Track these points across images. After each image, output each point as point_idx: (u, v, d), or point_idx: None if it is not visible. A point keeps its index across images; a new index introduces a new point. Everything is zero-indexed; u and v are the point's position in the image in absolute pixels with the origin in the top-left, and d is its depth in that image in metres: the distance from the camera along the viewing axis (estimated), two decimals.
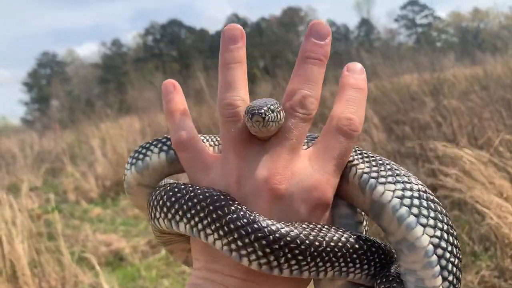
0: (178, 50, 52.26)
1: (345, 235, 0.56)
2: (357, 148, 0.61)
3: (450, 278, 0.55)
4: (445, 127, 6.01)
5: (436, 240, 0.54)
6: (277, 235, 0.52)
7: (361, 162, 0.59)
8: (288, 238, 0.52)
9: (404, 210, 0.55)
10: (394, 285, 0.56)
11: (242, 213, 0.53)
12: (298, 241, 0.52)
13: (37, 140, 13.91)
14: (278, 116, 0.55)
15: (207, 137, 0.69)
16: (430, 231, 0.54)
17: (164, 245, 0.72)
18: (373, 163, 0.59)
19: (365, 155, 0.61)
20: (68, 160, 8.48)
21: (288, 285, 0.57)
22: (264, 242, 0.52)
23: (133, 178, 0.67)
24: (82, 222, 6.23)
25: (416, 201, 0.56)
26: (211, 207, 0.54)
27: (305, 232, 0.53)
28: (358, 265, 0.56)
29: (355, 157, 0.60)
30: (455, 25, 53.75)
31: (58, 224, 4.75)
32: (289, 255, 0.52)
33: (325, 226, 0.55)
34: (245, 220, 0.53)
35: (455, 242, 0.56)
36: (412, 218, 0.54)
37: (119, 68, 44.82)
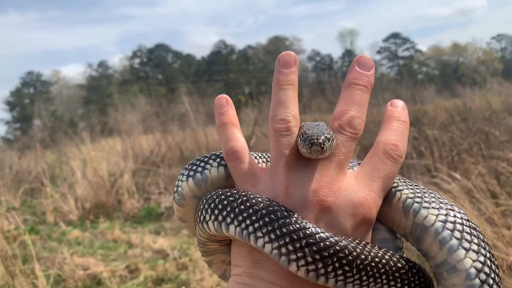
0: (164, 73, 52.45)
1: (389, 253, 0.56)
2: (400, 177, 0.64)
3: None
4: (426, 157, 6.11)
5: (479, 265, 0.54)
6: (327, 242, 0.53)
7: (405, 188, 0.61)
8: (338, 247, 0.53)
9: (446, 233, 0.56)
10: None
11: (294, 218, 0.54)
12: (347, 251, 0.53)
13: (17, 159, 13.66)
14: (332, 143, 0.58)
15: (257, 154, 0.71)
16: (473, 255, 0.55)
17: (205, 255, 0.71)
18: (417, 190, 0.61)
19: (409, 182, 0.63)
20: (48, 181, 8.32)
21: None
22: (315, 248, 0.53)
23: (189, 190, 0.67)
24: (60, 244, 6.09)
25: (459, 227, 0.56)
26: (264, 211, 0.55)
27: (353, 244, 0.54)
28: (399, 285, 0.56)
29: (399, 183, 0.62)
30: (435, 58, 55.23)
31: (32, 246, 4.63)
32: (337, 264, 0.53)
33: (369, 243, 0.56)
34: (297, 226, 0.54)
35: (497, 271, 0.56)
36: (454, 241, 0.55)
37: (104, 90, 44.66)
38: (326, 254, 0.53)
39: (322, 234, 0.53)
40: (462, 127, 7.68)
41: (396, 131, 0.63)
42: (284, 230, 0.53)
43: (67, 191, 8.33)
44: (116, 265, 5.34)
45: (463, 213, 0.59)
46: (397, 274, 0.56)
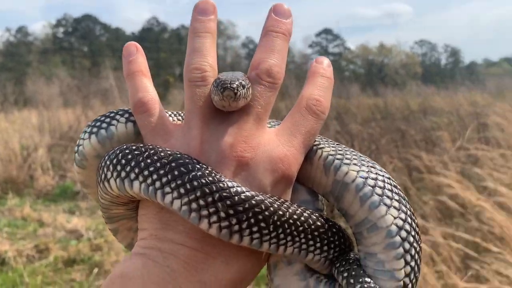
0: (90, 46, 49.97)
1: (308, 211, 0.54)
2: (322, 137, 0.61)
3: (412, 264, 0.53)
4: None
5: (400, 222, 0.53)
6: (242, 196, 0.49)
7: (327, 146, 0.59)
8: (253, 202, 0.49)
9: (367, 189, 0.54)
10: (355, 267, 0.53)
11: (207, 171, 0.49)
12: (263, 206, 0.49)
13: None
14: (248, 92, 0.54)
15: (172, 112, 0.65)
16: (394, 212, 0.53)
17: (110, 222, 0.64)
18: (339, 148, 0.59)
19: (331, 142, 0.60)
20: None
21: (240, 264, 0.53)
22: (228, 202, 0.48)
23: (92, 149, 0.60)
24: None
25: (380, 183, 0.54)
26: (173, 164, 0.50)
27: (270, 200, 0.50)
28: (318, 244, 0.54)
29: (321, 141, 0.60)
30: (362, 57, 57.68)
31: None
32: (252, 220, 0.49)
33: (288, 201, 0.53)
34: (210, 179, 0.49)
35: (418, 230, 0.55)
36: (376, 197, 0.53)
37: (22, 57, 41.57)
38: (240, 209, 0.48)
39: (237, 188, 0.49)
40: (381, 124, 8.09)
41: (320, 86, 0.60)
42: (195, 183, 0.48)
43: None
44: (24, 244, 5.03)
45: (384, 171, 0.57)
46: (316, 233, 0.53)
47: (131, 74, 0.61)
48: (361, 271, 0.53)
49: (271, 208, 0.50)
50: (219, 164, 0.53)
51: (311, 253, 0.53)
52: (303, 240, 0.52)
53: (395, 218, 0.53)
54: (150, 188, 0.50)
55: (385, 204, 0.53)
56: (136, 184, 0.51)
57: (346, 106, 10.85)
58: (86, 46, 50.88)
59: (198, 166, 0.50)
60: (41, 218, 5.94)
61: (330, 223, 0.55)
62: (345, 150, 0.58)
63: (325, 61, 0.63)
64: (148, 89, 0.60)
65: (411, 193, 4.33)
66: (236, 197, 0.49)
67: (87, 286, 4.14)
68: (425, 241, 3.37)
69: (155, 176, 0.50)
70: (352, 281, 0.52)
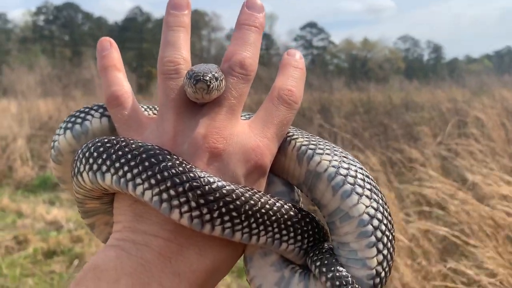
0: (72, 35, 49.13)
1: (280, 201, 0.54)
2: (297, 128, 0.62)
3: (385, 252, 0.53)
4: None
5: (372, 211, 0.53)
6: (213, 186, 0.49)
7: (300, 137, 0.59)
8: (224, 191, 0.49)
9: (339, 178, 0.54)
10: (327, 256, 0.54)
11: (177, 162, 0.49)
12: (234, 196, 0.50)
13: None
14: (221, 84, 0.54)
15: (147, 106, 0.65)
16: (366, 200, 0.53)
17: (86, 217, 0.64)
18: (312, 138, 0.59)
19: (304, 133, 0.61)
20: None
21: (215, 255, 0.53)
22: (199, 192, 0.48)
23: (67, 144, 0.60)
24: None
25: (352, 173, 0.55)
26: (143, 155, 0.50)
27: (242, 190, 0.51)
28: (291, 234, 0.54)
29: (295, 132, 0.60)
30: (346, 51, 58.00)
31: None
32: (223, 209, 0.49)
33: (261, 192, 0.53)
34: (180, 169, 0.49)
35: (390, 218, 0.55)
36: (347, 187, 0.53)
37: (1, 45, 40.65)
38: (211, 198, 0.49)
39: (208, 178, 0.49)
40: (364, 118, 8.16)
41: (291, 77, 0.61)
42: (166, 174, 0.49)
43: None
44: (2, 235, 4.95)
45: (357, 161, 0.58)
46: (289, 223, 0.53)
47: (104, 69, 0.61)
48: (334, 260, 0.53)
49: (243, 198, 0.50)
50: (192, 156, 0.53)
51: (285, 243, 0.54)
52: (276, 230, 0.53)
53: (366, 207, 0.53)
54: (122, 180, 0.50)
55: (357, 193, 0.53)
56: (108, 176, 0.51)
57: (329, 100, 10.90)
58: (67, 35, 50.03)
59: (169, 157, 0.50)
60: (20, 209, 5.86)
61: (304, 213, 0.56)
62: (318, 141, 0.59)
63: (297, 54, 0.64)
64: (122, 83, 0.60)
65: (394, 186, 4.38)
66: (207, 187, 0.49)
67: (67, 278, 4.09)
68: (405, 234, 3.42)
69: (126, 168, 0.50)
70: (324, 269, 0.52)
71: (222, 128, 0.55)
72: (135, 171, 0.50)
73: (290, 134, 0.60)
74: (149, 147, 0.51)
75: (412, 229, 3.47)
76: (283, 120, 0.58)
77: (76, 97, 11.11)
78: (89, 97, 10.70)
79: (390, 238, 0.54)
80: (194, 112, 0.56)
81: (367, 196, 0.54)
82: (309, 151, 0.57)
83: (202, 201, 0.48)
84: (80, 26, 51.13)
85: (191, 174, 0.49)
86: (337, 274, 0.52)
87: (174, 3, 0.61)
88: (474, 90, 12.80)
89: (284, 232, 0.53)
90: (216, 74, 0.53)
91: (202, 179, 0.49)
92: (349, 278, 0.52)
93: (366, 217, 0.53)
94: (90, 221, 0.65)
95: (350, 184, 0.54)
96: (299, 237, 0.54)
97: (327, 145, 0.58)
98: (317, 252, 0.55)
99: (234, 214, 0.50)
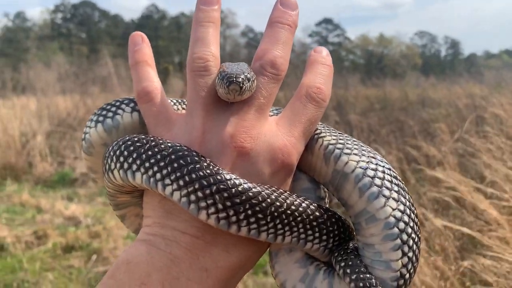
0: (89, 32, 49.57)
1: (306, 202, 0.54)
2: (325, 125, 0.61)
3: (410, 254, 0.53)
4: None
5: (398, 214, 0.53)
6: (239, 188, 0.50)
7: (328, 135, 0.58)
8: (250, 194, 0.50)
9: (367, 180, 0.54)
10: (352, 257, 0.54)
11: (205, 164, 0.51)
12: (260, 198, 0.50)
13: None
14: (253, 84, 0.54)
15: (177, 100, 0.65)
16: (392, 203, 0.53)
17: (117, 209, 0.66)
18: (340, 137, 0.58)
19: (332, 130, 0.60)
20: None
21: (241, 252, 0.54)
22: (225, 194, 0.49)
23: (98, 137, 0.61)
24: None
25: (380, 174, 0.54)
26: (172, 157, 0.51)
27: (268, 191, 0.51)
28: (317, 234, 0.54)
29: (323, 130, 0.60)
30: (362, 47, 57.44)
31: None
32: (249, 211, 0.50)
33: (287, 192, 0.54)
34: (208, 171, 0.50)
35: (417, 220, 0.55)
36: (374, 189, 0.53)
37: (20, 43, 41.24)
38: (237, 201, 0.50)
39: (234, 180, 0.50)
40: (380, 115, 8.09)
41: (320, 74, 0.60)
42: (193, 176, 0.50)
43: None
44: (22, 230, 5.04)
45: (385, 162, 0.57)
46: (314, 223, 0.54)
47: (136, 64, 0.62)
48: (358, 261, 0.54)
49: (268, 200, 0.51)
50: (219, 154, 0.53)
51: (310, 242, 0.54)
52: (301, 230, 0.53)
53: (393, 209, 0.53)
54: (151, 179, 0.52)
55: (384, 196, 0.53)
56: (138, 175, 0.52)
57: (345, 97, 10.83)
58: (84, 32, 50.50)
59: (197, 159, 0.51)
60: (40, 205, 5.94)
61: (330, 213, 0.56)
62: (347, 139, 0.58)
63: (324, 51, 0.63)
64: (152, 79, 0.60)
65: (410, 184, 4.35)
66: (234, 189, 0.50)
67: (85, 272, 4.16)
68: (422, 231, 3.40)
69: (155, 168, 0.51)
70: (348, 271, 0.53)
71: (250, 127, 0.55)
72: (165, 171, 0.51)
73: (318, 131, 0.59)
74: (178, 147, 0.52)
75: (430, 227, 3.44)
76: (311, 118, 0.57)
77: (93, 94, 11.23)
78: (106, 94, 10.80)
79: (416, 240, 0.54)
80: (223, 110, 0.56)
81: (394, 199, 0.53)
82: (337, 151, 0.56)
83: (228, 203, 0.49)
84: (97, 23, 51.60)
85: (218, 177, 0.50)
86: (361, 276, 0.52)
87: None
88: (493, 86, 12.58)
89: (310, 232, 0.54)
90: (248, 75, 0.53)
91: (228, 182, 0.50)
92: (373, 280, 0.52)
93: (392, 219, 0.52)
94: (121, 213, 0.67)
95: (377, 186, 0.53)
96: (324, 237, 0.55)
97: (355, 145, 0.58)
98: (342, 252, 0.55)
99: (260, 215, 0.50)
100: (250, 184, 0.51)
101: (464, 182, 3.77)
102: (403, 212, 0.53)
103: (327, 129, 0.60)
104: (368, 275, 0.52)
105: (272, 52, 0.58)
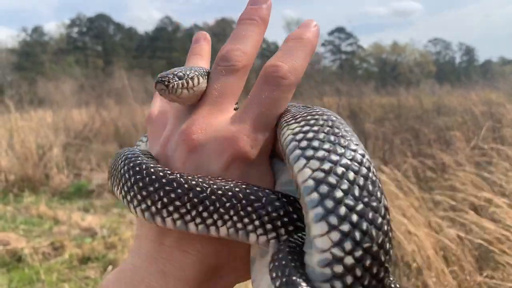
0: (104, 45, 50.32)
1: (243, 185, 0.47)
2: (302, 105, 0.55)
3: (346, 228, 0.39)
4: None
5: (320, 174, 0.41)
6: (152, 177, 0.48)
7: (294, 122, 0.49)
8: (164, 181, 0.48)
9: (292, 144, 0.45)
10: (282, 254, 0.43)
11: (138, 167, 0.51)
12: (175, 184, 0.47)
13: None
14: (191, 82, 0.53)
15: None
16: (314, 163, 0.42)
17: None
18: (308, 123, 0.47)
19: (303, 112, 0.50)
20: None
21: (199, 250, 0.51)
22: (140, 184, 0.49)
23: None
24: None
25: (310, 135, 0.45)
26: (130, 172, 0.51)
27: (186, 178, 0.48)
28: (257, 223, 0.46)
29: (292, 112, 0.52)
30: (375, 55, 57.24)
31: None
32: (164, 199, 0.47)
33: (223, 179, 0.49)
34: (137, 169, 0.50)
35: (366, 183, 0.42)
36: (297, 151, 0.44)
37: (37, 57, 42.05)
38: (151, 189, 0.48)
39: (151, 169, 0.49)
40: (395, 123, 8.04)
41: (286, 51, 0.54)
42: (129, 178, 0.51)
43: None
44: (40, 241, 5.09)
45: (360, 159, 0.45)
46: (249, 209, 0.46)
47: (191, 55, 0.65)
48: (286, 261, 0.42)
49: (186, 185, 0.47)
50: (174, 152, 0.53)
51: (253, 233, 0.46)
52: (235, 218, 0.46)
53: (314, 170, 0.41)
54: (124, 200, 0.52)
55: (305, 157, 0.43)
56: (118, 193, 0.53)
57: (359, 105, 10.78)
58: (99, 45, 51.28)
59: (138, 166, 0.51)
60: (56, 216, 6.01)
61: (273, 196, 0.47)
62: (315, 126, 0.47)
63: (311, 23, 0.59)
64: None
65: (425, 192, 4.30)
66: (147, 178, 0.49)
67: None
68: (438, 240, 3.35)
69: (125, 188, 0.52)
70: (274, 274, 0.42)
71: (201, 119, 0.53)
72: (125, 188, 0.51)
73: (286, 118, 0.51)
74: (136, 167, 0.52)
75: (445, 237, 3.39)
76: (269, 101, 0.52)
77: (108, 106, 11.38)
78: (122, 106, 10.92)
79: (357, 208, 0.40)
80: (189, 112, 0.56)
81: (318, 158, 0.42)
82: (297, 151, 0.45)
83: (144, 193, 0.48)
84: (112, 36, 52.38)
85: (137, 168, 0.50)
86: (284, 279, 0.40)
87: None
88: (509, 92, 12.41)
89: (246, 220, 0.46)
90: (180, 73, 0.53)
91: (144, 172, 0.49)
92: (293, 277, 0.40)
93: (310, 182, 0.41)
94: None
95: (301, 148, 0.44)
96: (269, 226, 0.46)
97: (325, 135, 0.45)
98: (281, 247, 0.45)
99: (177, 203, 0.47)
100: (164, 172, 0.48)
101: (481, 189, 3.71)
102: (328, 172, 0.41)
103: (299, 112, 0.51)
104: (293, 278, 0.39)
105: (225, 48, 0.57)
